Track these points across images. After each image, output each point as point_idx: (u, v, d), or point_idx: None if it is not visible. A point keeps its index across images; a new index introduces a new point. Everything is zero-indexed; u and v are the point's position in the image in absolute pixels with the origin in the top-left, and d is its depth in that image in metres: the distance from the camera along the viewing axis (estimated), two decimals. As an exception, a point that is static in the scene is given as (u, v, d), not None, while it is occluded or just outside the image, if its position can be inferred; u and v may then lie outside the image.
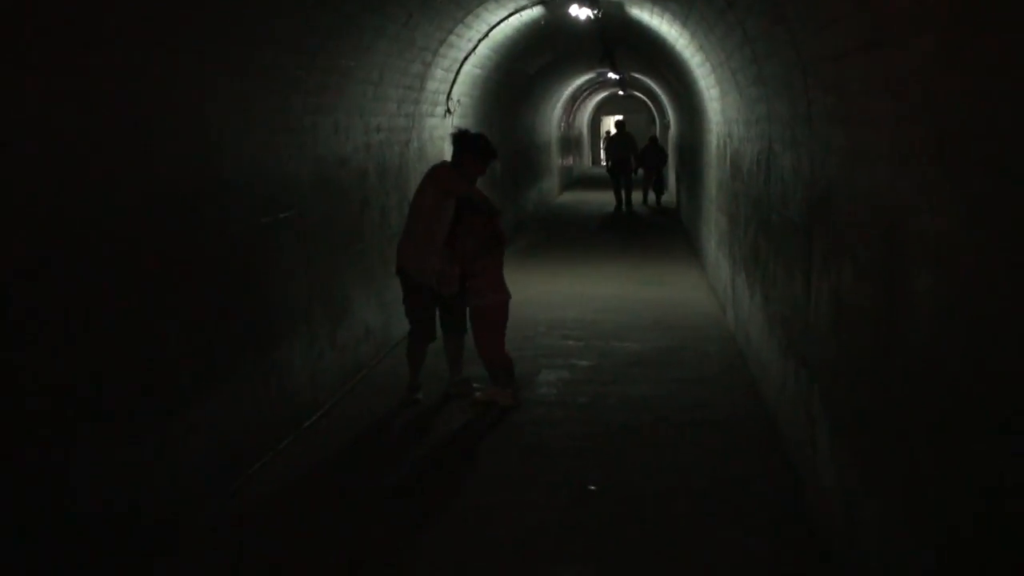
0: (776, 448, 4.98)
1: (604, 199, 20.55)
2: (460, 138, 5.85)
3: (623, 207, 19.21)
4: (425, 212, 5.68)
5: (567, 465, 4.86)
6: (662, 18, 8.89)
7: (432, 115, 8.81)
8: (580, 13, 9.46)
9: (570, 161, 27.27)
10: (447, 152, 9.21)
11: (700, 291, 9.75)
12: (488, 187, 11.38)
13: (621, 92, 28.01)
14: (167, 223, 3.99)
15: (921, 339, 2.60)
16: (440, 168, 5.89)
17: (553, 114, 20.95)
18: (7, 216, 2.98)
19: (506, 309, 5.83)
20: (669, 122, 21.44)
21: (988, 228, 2.11)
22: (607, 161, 20.11)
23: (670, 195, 20.25)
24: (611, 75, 18.91)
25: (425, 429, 5.55)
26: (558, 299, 9.34)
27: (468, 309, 5.82)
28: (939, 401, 2.44)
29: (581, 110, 29.40)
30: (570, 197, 23.05)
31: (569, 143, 26.82)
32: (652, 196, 20.24)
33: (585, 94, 25.80)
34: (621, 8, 9.52)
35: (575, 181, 27.87)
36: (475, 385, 6.06)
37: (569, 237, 14.97)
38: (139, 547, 3.77)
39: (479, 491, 4.61)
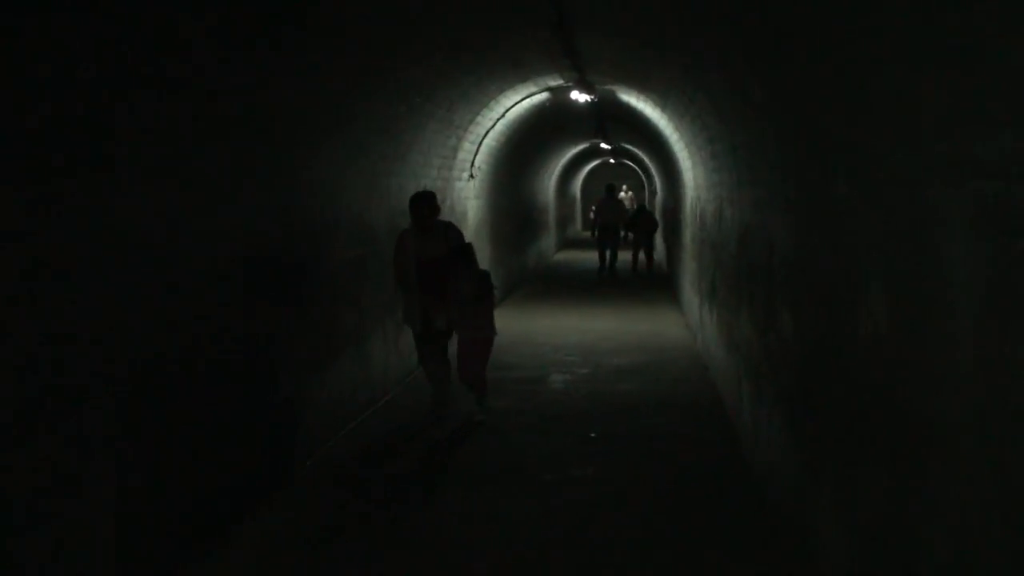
0: (722, 416, 6.97)
1: (596, 257, 22.47)
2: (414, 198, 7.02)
3: (606, 271, 18.95)
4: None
5: (575, 424, 6.92)
6: (646, 103, 11.02)
7: (460, 179, 10.90)
8: (580, 97, 11.61)
9: (564, 224, 29.47)
10: (470, 208, 11.32)
11: (678, 327, 11.76)
12: (496, 242, 13.44)
13: (612, 160, 30.30)
14: (305, 252, 6.02)
15: (778, 320, 4.62)
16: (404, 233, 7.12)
17: (551, 180, 23.07)
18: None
19: (492, 343, 7.12)
20: (656, 188, 23.45)
21: (806, 244, 4.15)
22: (594, 228, 19.37)
23: (659, 256, 20.63)
24: (603, 145, 21.00)
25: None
26: (560, 331, 11.38)
27: (465, 340, 6.98)
28: (790, 358, 4.46)
29: (575, 177, 31.70)
30: (565, 256, 25.17)
31: (564, 207, 29.05)
32: (643, 260, 19.62)
33: (579, 162, 28.03)
34: (613, 94, 11.66)
35: (569, 242, 30.08)
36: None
37: (567, 286, 17.04)
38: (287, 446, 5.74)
39: (520, 436, 6.71)
